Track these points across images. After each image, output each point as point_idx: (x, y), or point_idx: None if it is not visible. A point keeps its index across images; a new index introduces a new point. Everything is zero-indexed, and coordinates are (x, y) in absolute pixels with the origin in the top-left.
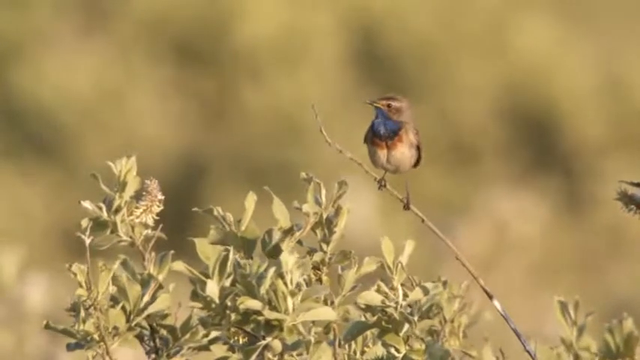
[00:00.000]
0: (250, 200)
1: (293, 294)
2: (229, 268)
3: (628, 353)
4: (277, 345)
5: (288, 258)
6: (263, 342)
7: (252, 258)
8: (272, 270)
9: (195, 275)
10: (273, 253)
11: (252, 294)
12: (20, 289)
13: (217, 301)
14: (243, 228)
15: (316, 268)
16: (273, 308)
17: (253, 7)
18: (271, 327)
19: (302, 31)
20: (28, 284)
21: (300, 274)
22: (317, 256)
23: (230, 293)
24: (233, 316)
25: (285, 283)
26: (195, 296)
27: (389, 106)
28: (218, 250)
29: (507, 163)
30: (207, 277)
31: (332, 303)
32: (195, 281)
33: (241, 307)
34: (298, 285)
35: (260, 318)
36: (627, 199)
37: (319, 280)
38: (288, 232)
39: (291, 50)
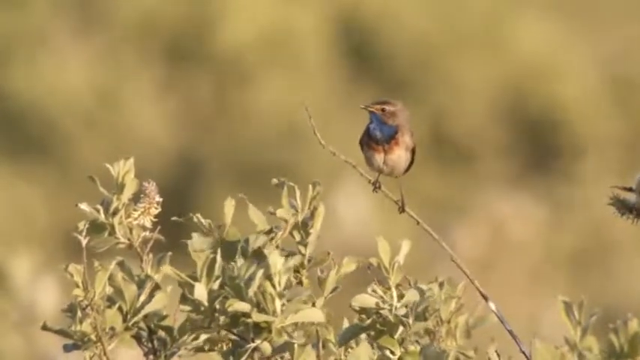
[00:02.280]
0: (229, 206)
1: (281, 296)
2: (217, 270)
3: (632, 354)
4: (267, 347)
5: (277, 260)
6: (252, 344)
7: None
8: (260, 272)
9: (183, 279)
10: (256, 257)
11: (241, 296)
12: (32, 291)
13: (206, 304)
14: (224, 234)
15: (296, 271)
16: (262, 310)
17: (244, 7)
18: (260, 329)
19: (294, 31)
20: (39, 286)
21: (287, 276)
22: (296, 259)
23: (218, 296)
24: (222, 319)
25: (274, 285)
26: (184, 299)
27: (383, 110)
28: (205, 254)
29: (505, 164)
30: (196, 280)
31: (313, 305)
32: (183, 285)
33: (230, 309)
34: (286, 287)
35: (249, 320)
36: (619, 204)
37: (300, 282)
38: (268, 234)
39: (283, 50)
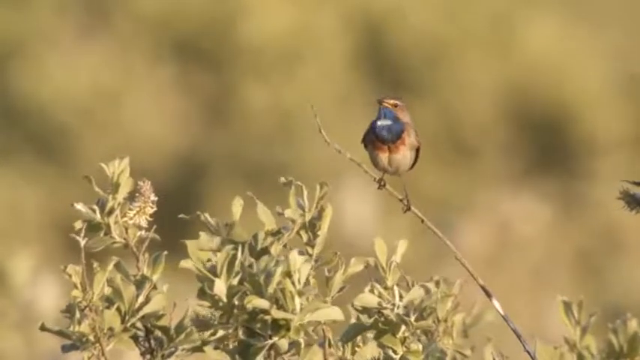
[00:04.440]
0: (237, 205)
1: (300, 294)
2: (237, 267)
3: (631, 354)
4: (283, 344)
5: (297, 257)
6: (269, 341)
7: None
8: (279, 269)
9: (203, 273)
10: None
11: (260, 293)
12: (31, 291)
13: (225, 299)
14: (231, 233)
15: None
16: (281, 307)
17: (257, 6)
18: (278, 326)
19: (306, 30)
20: (38, 286)
21: (306, 274)
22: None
23: (238, 292)
24: (240, 316)
25: (293, 283)
26: (202, 294)
27: (396, 105)
28: (226, 250)
29: (510, 163)
30: (215, 275)
31: None
32: (202, 279)
33: (249, 306)
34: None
35: (267, 317)
36: (629, 199)
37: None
38: (276, 235)
39: (294, 49)
